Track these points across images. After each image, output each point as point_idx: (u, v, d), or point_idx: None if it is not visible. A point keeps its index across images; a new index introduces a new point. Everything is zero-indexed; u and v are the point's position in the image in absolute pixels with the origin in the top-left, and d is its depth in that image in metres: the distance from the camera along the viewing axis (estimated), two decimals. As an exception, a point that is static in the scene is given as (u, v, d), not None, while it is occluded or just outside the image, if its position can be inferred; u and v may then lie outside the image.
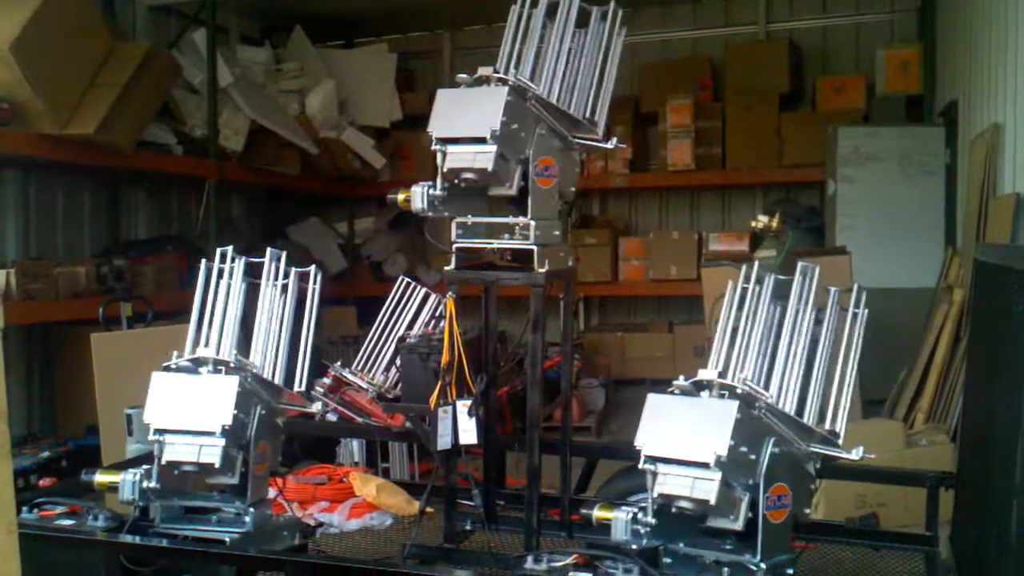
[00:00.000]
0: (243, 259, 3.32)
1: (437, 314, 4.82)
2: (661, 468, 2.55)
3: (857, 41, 9.86)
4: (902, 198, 8.34)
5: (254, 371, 3.10)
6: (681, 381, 2.67)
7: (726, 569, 2.61)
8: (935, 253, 7.90)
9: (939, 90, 8.62)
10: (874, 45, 9.33)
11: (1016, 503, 2.55)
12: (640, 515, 2.65)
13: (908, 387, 6.57)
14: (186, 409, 2.93)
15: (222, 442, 2.87)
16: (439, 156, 3.29)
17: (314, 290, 3.35)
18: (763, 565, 2.55)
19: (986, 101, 6.16)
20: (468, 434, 3.46)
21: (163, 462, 2.93)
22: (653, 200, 10.70)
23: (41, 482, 5.96)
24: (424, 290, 5.06)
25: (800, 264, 2.96)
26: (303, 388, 3.24)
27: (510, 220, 3.38)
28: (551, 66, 3.53)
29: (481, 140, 3.23)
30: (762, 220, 6.65)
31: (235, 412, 2.88)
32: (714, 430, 2.52)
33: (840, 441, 2.76)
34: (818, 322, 2.91)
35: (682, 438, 2.54)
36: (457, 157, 3.27)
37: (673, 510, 2.59)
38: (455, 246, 3.45)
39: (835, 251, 7.77)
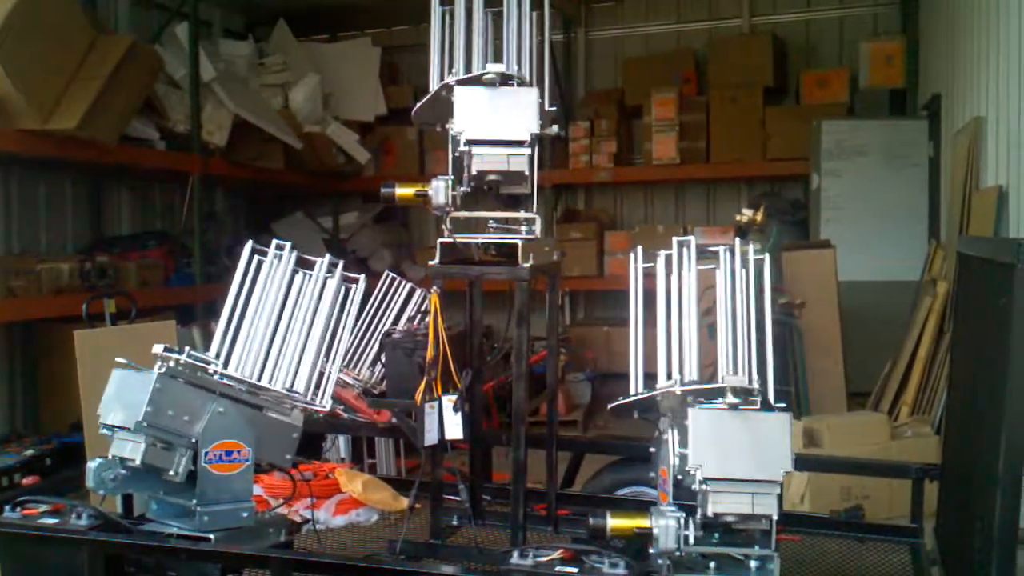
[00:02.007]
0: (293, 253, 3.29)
1: (422, 309, 4.80)
2: (715, 486, 2.52)
3: (841, 34, 9.90)
4: (886, 191, 8.36)
5: (218, 370, 3.08)
6: (728, 397, 2.64)
7: (712, 563, 2.61)
8: (919, 246, 7.92)
9: (922, 83, 8.66)
10: (858, 39, 9.36)
11: (999, 494, 2.57)
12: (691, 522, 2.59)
13: (893, 380, 6.61)
14: (120, 405, 2.98)
15: (142, 438, 2.90)
16: (465, 157, 3.25)
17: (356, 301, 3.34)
18: (777, 555, 2.56)
19: (969, 94, 6.18)
20: (454, 429, 3.45)
21: (110, 456, 2.97)
22: (638, 194, 10.71)
23: (25, 480, 5.93)
24: (409, 285, 5.05)
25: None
26: (300, 391, 3.21)
27: (518, 214, 3.37)
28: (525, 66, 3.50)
29: (515, 143, 3.22)
30: (746, 214, 6.67)
31: (148, 409, 2.89)
32: (775, 446, 2.53)
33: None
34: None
35: (743, 457, 2.53)
36: (488, 159, 3.24)
37: (697, 517, 2.57)
38: (439, 241, 3.43)
39: (819, 244, 7.81)
